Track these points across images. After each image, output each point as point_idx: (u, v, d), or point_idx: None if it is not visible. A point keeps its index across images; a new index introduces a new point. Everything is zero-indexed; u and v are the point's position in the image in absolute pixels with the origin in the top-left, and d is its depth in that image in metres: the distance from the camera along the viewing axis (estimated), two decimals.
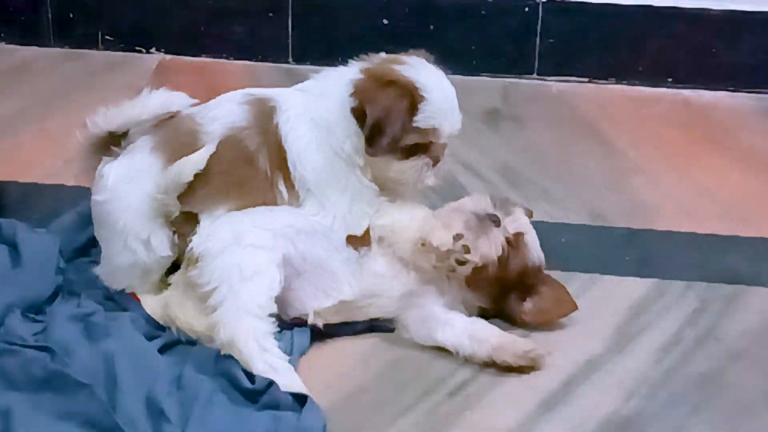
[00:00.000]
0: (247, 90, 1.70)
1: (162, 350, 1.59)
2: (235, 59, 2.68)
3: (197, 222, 1.63)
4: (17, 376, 1.48)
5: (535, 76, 2.62)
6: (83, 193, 2.00)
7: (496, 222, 1.66)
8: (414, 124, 1.58)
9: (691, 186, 2.16)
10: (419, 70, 1.62)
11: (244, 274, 1.55)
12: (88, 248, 1.80)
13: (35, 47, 2.72)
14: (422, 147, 1.61)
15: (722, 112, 2.47)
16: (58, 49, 2.72)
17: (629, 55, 2.58)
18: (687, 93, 2.56)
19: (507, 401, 1.55)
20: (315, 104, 1.64)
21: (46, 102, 2.46)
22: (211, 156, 1.61)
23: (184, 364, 1.55)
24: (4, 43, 2.74)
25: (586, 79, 2.61)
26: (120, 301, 1.69)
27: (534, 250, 1.69)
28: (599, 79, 2.61)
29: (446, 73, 1.65)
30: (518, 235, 1.68)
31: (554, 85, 2.60)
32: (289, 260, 1.59)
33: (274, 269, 1.57)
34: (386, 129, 1.56)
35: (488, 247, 1.64)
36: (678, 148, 2.32)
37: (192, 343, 1.61)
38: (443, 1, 2.59)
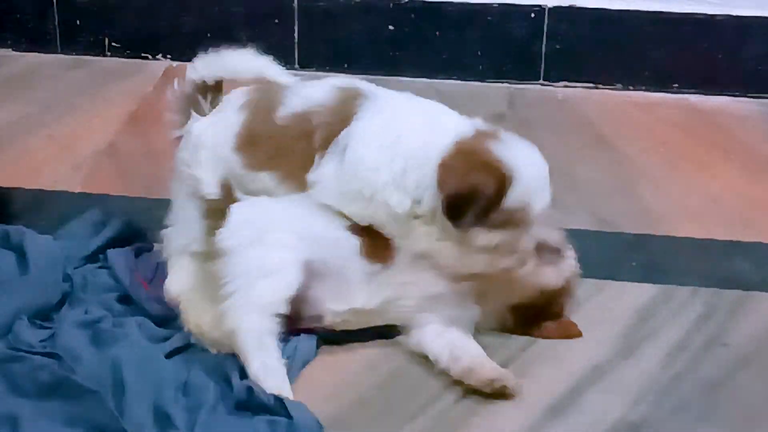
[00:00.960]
0: (355, 80, 1.70)
1: (169, 355, 1.59)
2: None
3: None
4: (24, 383, 1.48)
5: (541, 81, 2.62)
6: (91, 200, 2.02)
7: (561, 257, 1.69)
8: (503, 207, 1.54)
9: (697, 191, 2.16)
10: (514, 146, 1.58)
11: (262, 271, 1.56)
12: (95, 255, 1.81)
13: (42, 54, 2.73)
14: (512, 223, 1.57)
15: (728, 118, 2.47)
16: (65, 56, 2.73)
17: (635, 60, 2.58)
18: (693, 98, 2.56)
19: (514, 407, 1.55)
20: (403, 130, 1.60)
21: (53, 108, 2.46)
22: (281, 125, 1.63)
23: (190, 369, 1.55)
24: (11, 49, 2.75)
25: (592, 85, 2.61)
26: (130, 300, 1.70)
27: (575, 296, 1.71)
28: (605, 85, 2.61)
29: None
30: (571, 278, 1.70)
31: (560, 90, 2.60)
32: (310, 263, 1.59)
33: (293, 271, 1.57)
34: (469, 207, 1.53)
35: (552, 277, 1.66)
36: (684, 153, 2.32)
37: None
38: (449, 7, 2.59)
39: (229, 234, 1.60)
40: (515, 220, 1.57)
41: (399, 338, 1.66)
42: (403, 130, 1.59)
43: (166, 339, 1.63)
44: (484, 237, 1.57)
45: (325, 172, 1.60)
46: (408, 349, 1.64)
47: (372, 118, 1.60)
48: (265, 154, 1.65)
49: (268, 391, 1.51)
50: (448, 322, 1.64)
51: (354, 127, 1.60)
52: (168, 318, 1.66)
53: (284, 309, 1.56)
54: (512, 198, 1.54)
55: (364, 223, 1.61)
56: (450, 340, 1.62)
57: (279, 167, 1.64)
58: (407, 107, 1.64)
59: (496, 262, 1.59)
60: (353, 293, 1.63)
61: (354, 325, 1.65)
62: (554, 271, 1.67)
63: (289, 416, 1.47)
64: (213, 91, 1.73)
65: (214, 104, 1.73)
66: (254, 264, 1.57)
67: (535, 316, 1.69)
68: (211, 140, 1.69)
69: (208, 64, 1.72)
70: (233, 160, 1.67)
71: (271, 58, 1.72)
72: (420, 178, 1.56)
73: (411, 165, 1.57)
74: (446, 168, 1.55)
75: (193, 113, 1.72)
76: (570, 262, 1.71)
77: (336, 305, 1.62)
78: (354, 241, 1.61)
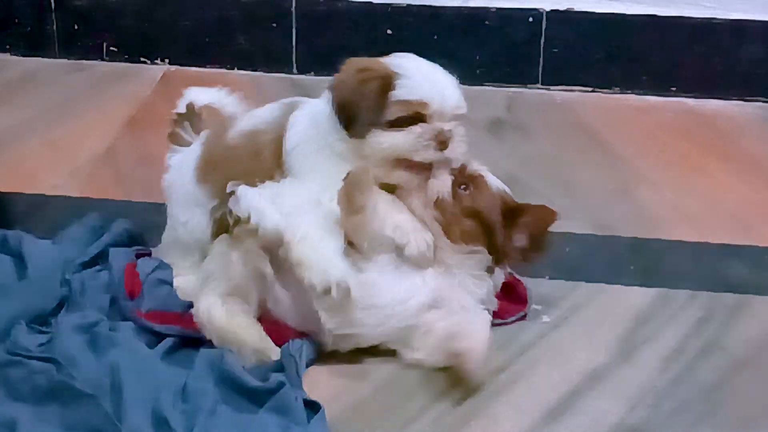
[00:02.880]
0: (294, 99, 1.77)
1: (164, 356, 1.59)
2: (240, 69, 2.68)
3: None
4: (22, 388, 1.49)
5: (539, 85, 2.62)
6: (89, 205, 2.03)
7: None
8: (391, 98, 1.59)
9: (695, 195, 2.16)
10: (399, 57, 1.65)
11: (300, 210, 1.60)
12: (94, 260, 1.80)
13: (41, 59, 2.74)
14: (412, 119, 1.60)
15: (727, 121, 2.48)
16: (64, 61, 2.73)
17: (633, 64, 2.59)
18: (691, 102, 2.57)
19: (511, 411, 1.55)
20: (320, 104, 1.67)
21: (51, 113, 2.47)
22: (233, 147, 1.71)
23: (188, 373, 1.55)
24: (9, 54, 2.76)
25: (591, 89, 2.61)
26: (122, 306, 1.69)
27: (494, 182, 1.68)
28: (603, 89, 2.61)
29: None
30: (477, 176, 1.67)
31: (558, 94, 2.61)
32: None
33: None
34: (356, 109, 1.59)
35: (439, 183, 1.65)
36: (682, 157, 2.32)
37: (196, 343, 1.61)
38: (447, 11, 2.60)
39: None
40: (413, 118, 1.59)
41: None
42: (318, 107, 1.67)
43: (160, 341, 1.63)
44: (383, 137, 1.60)
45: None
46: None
47: (297, 125, 1.68)
48: (221, 177, 1.69)
49: (334, 279, 1.54)
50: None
51: (289, 140, 1.67)
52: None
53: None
54: (403, 91, 1.58)
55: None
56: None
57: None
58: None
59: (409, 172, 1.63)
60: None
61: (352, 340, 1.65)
62: (436, 180, 1.65)
63: (304, 421, 1.47)
64: (194, 122, 1.87)
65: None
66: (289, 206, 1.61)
67: (495, 237, 1.65)
68: (178, 176, 1.79)
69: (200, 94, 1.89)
70: (195, 191, 1.75)
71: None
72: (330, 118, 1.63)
73: (324, 114, 1.64)
74: (335, 82, 1.63)
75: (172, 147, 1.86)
76: (472, 167, 1.69)
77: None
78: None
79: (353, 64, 1.65)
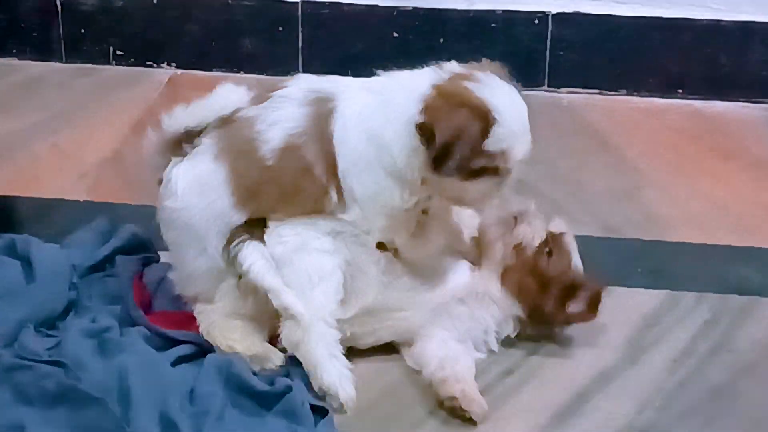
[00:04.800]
0: (311, 83, 1.62)
1: (174, 362, 1.59)
2: (246, 73, 2.68)
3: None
4: (30, 391, 1.48)
5: (545, 88, 2.62)
6: (96, 208, 2.03)
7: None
8: (484, 148, 1.50)
9: (702, 197, 2.16)
10: (493, 89, 1.53)
11: (312, 281, 1.55)
12: (102, 264, 1.80)
13: (47, 63, 2.74)
14: (490, 170, 1.54)
15: (733, 123, 2.47)
16: (70, 65, 2.73)
17: (640, 66, 2.58)
18: (698, 104, 2.56)
19: (520, 414, 1.55)
20: (375, 113, 1.56)
21: (58, 117, 2.47)
22: (274, 168, 1.57)
23: (196, 377, 1.55)
24: (16, 59, 2.76)
25: (597, 91, 2.61)
26: (134, 317, 1.68)
27: (574, 252, 1.68)
28: (610, 91, 2.61)
29: (518, 89, 1.59)
30: (560, 235, 1.68)
31: (565, 97, 2.60)
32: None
33: (338, 273, 1.57)
34: (455, 152, 1.49)
35: (530, 233, 1.65)
36: (689, 159, 2.32)
37: (206, 353, 1.61)
38: (453, 14, 2.59)
39: (273, 242, 1.58)
40: (491, 169, 1.53)
41: (403, 349, 1.65)
42: (379, 121, 1.54)
43: (171, 345, 1.63)
44: (462, 186, 1.54)
45: (352, 217, 1.59)
46: (408, 360, 1.64)
47: (349, 140, 1.55)
48: (270, 201, 1.58)
49: (342, 400, 1.52)
50: (456, 336, 1.63)
51: (343, 159, 1.55)
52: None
53: (341, 314, 1.57)
54: (494, 140, 1.50)
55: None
56: (447, 351, 1.60)
57: (291, 210, 1.59)
58: (368, 102, 1.57)
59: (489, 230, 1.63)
60: (367, 288, 1.62)
61: (359, 338, 1.65)
62: (527, 227, 1.66)
63: (312, 425, 1.47)
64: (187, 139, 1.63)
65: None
66: (303, 274, 1.55)
67: (545, 297, 1.65)
68: (202, 202, 1.60)
69: (175, 119, 1.62)
70: (236, 218, 1.59)
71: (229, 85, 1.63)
72: (404, 142, 1.52)
73: (391, 134, 1.53)
74: (426, 111, 1.50)
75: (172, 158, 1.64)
76: (559, 225, 1.70)
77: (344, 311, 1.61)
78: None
79: (448, 94, 1.52)
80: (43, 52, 2.74)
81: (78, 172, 2.22)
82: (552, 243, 1.67)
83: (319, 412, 1.50)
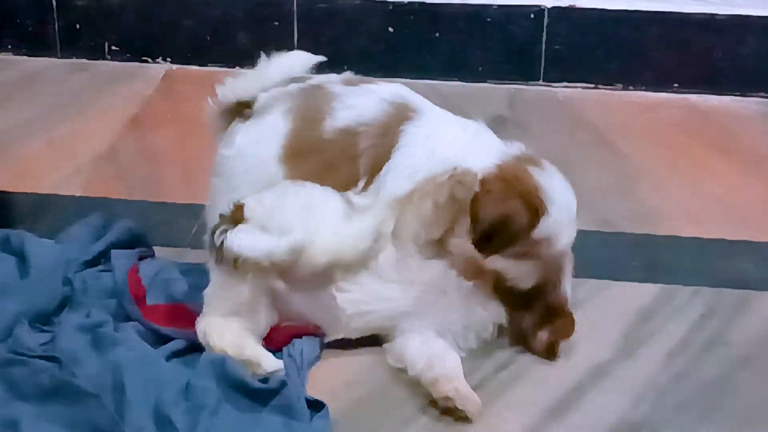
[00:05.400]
0: (401, 90, 1.68)
1: (169, 358, 1.59)
2: (242, 68, 2.67)
3: None
4: (25, 387, 1.48)
5: (541, 82, 2.62)
6: (91, 204, 2.03)
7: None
8: (532, 236, 1.55)
9: (697, 191, 2.16)
10: (550, 177, 1.58)
11: (309, 209, 1.57)
12: (97, 259, 1.80)
13: (42, 58, 2.73)
14: (532, 254, 1.57)
15: (729, 118, 2.47)
16: (65, 60, 2.73)
17: (635, 60, 2.58)
18: (693, 98, 2.56)
19: (514, 408, 1.55)
20: (448, 148, 1.61)
21: (53, 113, 2.46)
22: (327, 141, 1.62)
23: (191, 372, 1.54)
24: (11, 54, 2.76)
25: (592, 85, 2.61)
26: (129, 311, 1.68)
27: (568, 277, 1.67)
28: (605, 85, 2.61)
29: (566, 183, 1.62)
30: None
31: (560, 91, 2.60)
32: None
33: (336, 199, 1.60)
34: (498, 236, 1.53)
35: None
36: (684, 153, 2.32)
37: (201, 348, 1.60)
38: (448, 9, 2.59)
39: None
40: (537, 252, 1.57)
41: (385, 346, 1.64)
42: (449, 150, 1.60)
43: (165, 341, 1.63)
44: (509, 267, 1.57)
45: (362, 203, 1.61)
46: (390, 357, 1.63)
47: (414, 150, 1.60)
48: (309, 168, 1.62)
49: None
50: (438, 331, 1.62)
51: (393, 160, 1.60)
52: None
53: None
54: (542, 229, 1.54)
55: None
56: (432, 349, 1.60)
57: (322, 182, 1.62)
58: (450, 132, 1.63)
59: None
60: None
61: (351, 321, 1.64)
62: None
63: (307, 420, 1.47)
64: (239, 110, 1.68)
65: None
66: (299, 203, 1.57)
67: (525, 310, 1.65)
68: (253, 149, 1.65)
69: (233, 88, 1.67)
70: (275, 171, 1.63)
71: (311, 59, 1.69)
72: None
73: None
74: (485, 190, 1.55)
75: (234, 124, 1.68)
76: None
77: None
78: None
79: (508, 176, 1.56)
80: (38, 48, 2.74)
81: (73, 167, 2.22)
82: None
83: (315, 408, 1.50)
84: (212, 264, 1.60)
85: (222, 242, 1.55)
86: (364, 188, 1.62)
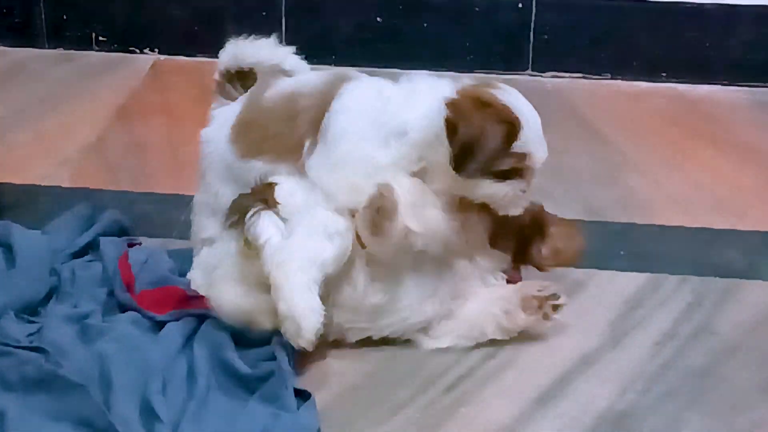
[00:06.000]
0: (346, 69, 1.69)
1: (159, 340, 1.58)
2: None
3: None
4: (11, 377, 1.48)
5: (529, 72, 2.62)
6: (78, 195, 2.02)
7: None
8: (512, 149, 1.53)
9: (685, 180, 2.16)
10: (514, 96, 1.56)
11: (327, 231, 1.53)
12: (84, 249, 1.80)
13: (29, 49, 2.73)
14: (516, 172, 1.55)
15: (716, 107, 2.48)
16: (52, 51, 2.72)
17: (623, 50, 2.59)
18: (681, 87, 2.57)
19: (502, 397, 1.55)
20: (395, 97, 1.57)
21: (40, 103, 2.46)
22: (268, 108, 1.62)
23: (179, 361, 1.55)
24: None
25: (581, 75, 2.61)
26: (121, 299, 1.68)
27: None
28: (593, 75, 2.61)
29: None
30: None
31: (549, 81, 2.61)
32: None
33: (350, 238, 1.55)
34: (479, 151, 1.50)
35: None
36: (672, 142, 2.32)
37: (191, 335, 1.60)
38: None
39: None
40: (517, 170, 1.55)
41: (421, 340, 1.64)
42: (391, 96, 1.57)
43: (159, 328, 1.62)
44: (488, 188, 1.55)
45: (313, 163, 1.57)
46: (407, 340, 1.63)
47: (353, 92, 1.58)
48: (254, 140, 1.62)
49: (307, 334, 1.49)
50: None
51: (335, 104, 1.57)
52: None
53: (333, 269, 1.54)
54: (518, 144, 1.53)
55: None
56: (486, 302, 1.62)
57: (267, 152, 1.61)
58: (392, 83, 1.61)
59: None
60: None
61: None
62: None
63: (294, 409, 1.47)
64: (243, 79, 1.73)
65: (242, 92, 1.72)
66: (319, 224, 1.53)
67: (524, 247, 1.67)
68: (214, 134, 1.68)
69: (230, 52, 1.73)
70: (228, 152, 1.65)
71: (291, 48, 1.74)
72: (423, 139, 1.53)
73: (412, 128, 1.54)
74: (455, 111, 1.51)
75: (219, 101, 1.73)
76: None
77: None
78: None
79: (473, 96, 1.53)
80: (25, 38, 2.73)
81: (60, 157, 2.22)
82: None
83: (302, 397, 1.50)
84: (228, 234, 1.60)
85: (252, 225, 1.55)
86: (309, 149, 1.58)
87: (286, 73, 1.71)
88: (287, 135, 1.60)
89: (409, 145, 1.54)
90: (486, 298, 1.63)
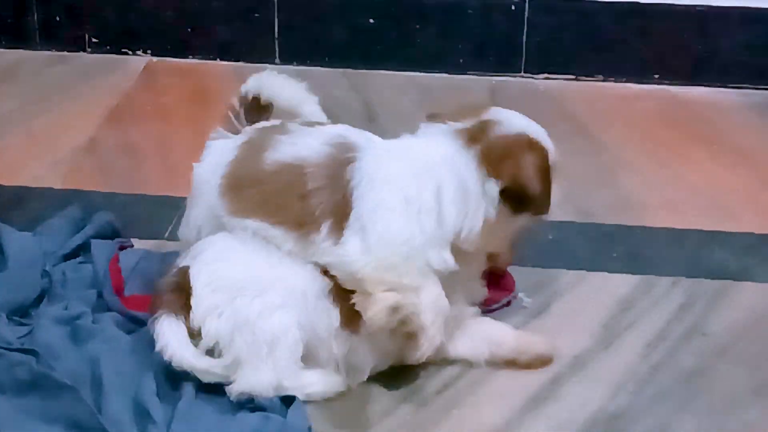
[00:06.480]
0: (342, 130, 1.60)
1: (148, 343, 1.56)
2: (222, 60, 2.67)
3: None
4: (2, 379, 1.48)
5: (522, 74, 2.62)
6: (70, 196, 2.02)
7: None
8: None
9: (677, 182, 2.16)
10: (517, 119, 1.58)
11: (270, 345, 1.48)
12: (75, 252, 1.80)
13: (22, 50, 2.72)
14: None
15: (709, 109, 2.48)
16: (45, 52, 2.71)
17: (615, 52, 2.58)
18: (674, 89, 2.56)
19: (494, 399, 1.55)
20: (411, 177, 1.51)
21: (33, 105, 2.45)
22: (269, 174, 1.54)
23: (170, 364, 1.54)
24: None
25: (573, 77, 2.61)
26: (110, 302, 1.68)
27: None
28: (586, 77, 2.61)
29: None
30: None
31: (542, 83, 2.60)
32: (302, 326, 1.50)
33: (296, 331, 1.49)
34: (544, 189, 1.54)
35: None
36: (665, 144, 2.32)
37: None
38: (429, 0, 2.59)
39: (211, 319, 1.49)
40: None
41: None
42: (414, 180, 1.51)
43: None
44: (514, 224, 1.55)
45: (350, 249, 1.49)
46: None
47: (374, 184, 1.51)
48: (250, 200, 1.55)
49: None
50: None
51: (363, 201, 1.50)
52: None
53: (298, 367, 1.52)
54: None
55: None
56: (478, 333, 1.61)
57: (266, 216, 1.53)
58: (396, 156, 1.55)
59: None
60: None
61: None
62: None
63: (282, 411, 1.47)
64: (257, 109, 1.68)
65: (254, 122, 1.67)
66: (257, 346, 1.48)
67: None
68: (205, 178, 1.61)
69: (259, 79, 1.69)
70: (219, 205, 1.57)
71: (316, 98, 1.71)
72: (460, 207, 1.50)
73: (447, 200, 1.50)
74: (498, 157, 1.50)
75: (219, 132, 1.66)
76: None
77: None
78: (334, 312, 1.51)
79: (497, 144, 1.52)
80: (18, 40, 2.72)
81: (52, 159, 2.21)
82: None
83: (287, 403, 1.50)
84: None
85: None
86: (331, 233, 1.50)
87: (301, 117, 1.67)
88: (297, 209, 1.52)
89: (444, 221, 1.50)
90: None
